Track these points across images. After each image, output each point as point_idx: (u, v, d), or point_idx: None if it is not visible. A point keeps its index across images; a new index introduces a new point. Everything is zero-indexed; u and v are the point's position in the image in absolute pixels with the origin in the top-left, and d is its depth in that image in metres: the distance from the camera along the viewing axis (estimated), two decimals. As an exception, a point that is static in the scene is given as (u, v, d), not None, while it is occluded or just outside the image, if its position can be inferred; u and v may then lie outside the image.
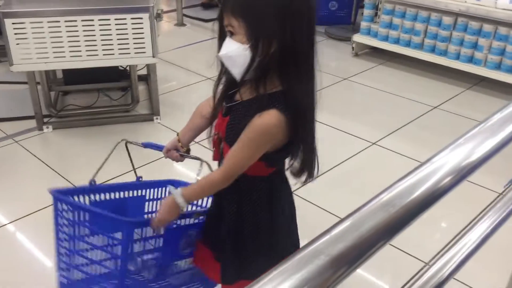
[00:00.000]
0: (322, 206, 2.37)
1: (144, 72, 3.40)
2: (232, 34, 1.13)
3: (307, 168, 1.25)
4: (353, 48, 4.22)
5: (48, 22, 2.56)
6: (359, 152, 2.84)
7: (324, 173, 2.62)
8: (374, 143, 2.93)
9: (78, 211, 1.35)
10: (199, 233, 1.40)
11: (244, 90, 1.21)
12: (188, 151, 1.44)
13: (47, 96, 3.05)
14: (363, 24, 4.14)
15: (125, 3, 2.68)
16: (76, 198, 1.46)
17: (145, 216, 1.62)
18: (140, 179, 1.61)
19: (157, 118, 3.12)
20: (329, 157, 2.78)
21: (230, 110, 1.23)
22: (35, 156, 2.72)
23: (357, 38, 4.17)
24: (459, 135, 0.72)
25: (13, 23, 2.55)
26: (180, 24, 5.05)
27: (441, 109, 3.38)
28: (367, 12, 4.13)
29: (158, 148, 1.48)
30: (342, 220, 0.53)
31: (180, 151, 1.43)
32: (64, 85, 3.24)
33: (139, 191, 1.61)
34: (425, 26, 3.80)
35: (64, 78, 3.21)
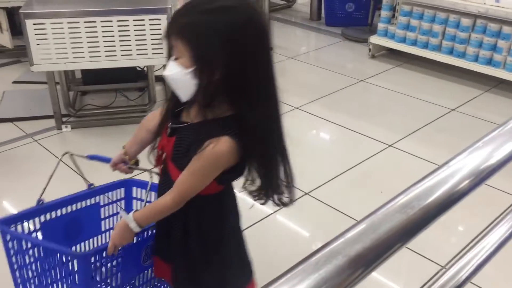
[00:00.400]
0: (337, 208, 2.36)
1: (161, 72, 3.42)
2: (176, 56, 1.10)
3: (269, 187, 1.22)
4: (369, 49, 4.20)
5: (68, 23, 2.60)
6: (375, 154, 2.83)
7: (339, 175, 2.61)
8: (390, 145, 2.91)
9: (26, 245, 1.34)
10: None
11: (193, 110, 1.17)
12: (136, 162, 1.40)
13: (66, 96, 3.10)
14: (380, 26, 4.11)
15: (143, 5, 2.71)
16: (26, 224, 1.44)
17: (102, 224, 1.61)
18: (92, 186, 1.57)
19: (173, 119, 3.14)
20: (344, 159, 2.78)
21: (176, 130, 1.20)
22: (53, 155, 2.76)
23: (374, 39, 4.15)
24: (477, 138, 0.71)
25: (33, 24, 2.59)
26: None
27: (459, 112, 3.34)
28: (384, 13, 4.11)
29: (105, 160, 1.44)
30: (359, 222, 0.53)
31: (128, 164, 1.39)
32: (82, 85, 3.28)
33: (92, 199, 1.58)
34: (443, 27, 3.76)
35: (83, 78, 3.26)
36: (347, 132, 3.04)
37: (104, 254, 1.29)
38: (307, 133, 3.16)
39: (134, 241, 1.31)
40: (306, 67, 4.13)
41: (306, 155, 2.83)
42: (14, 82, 3.62)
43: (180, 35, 1.08)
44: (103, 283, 1.37)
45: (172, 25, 1.11)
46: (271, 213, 2.33)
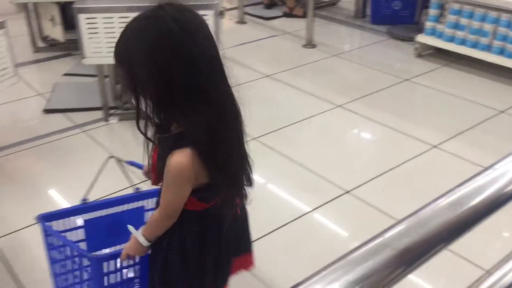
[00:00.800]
0: (379, 207, 2.34)
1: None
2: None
3: (225, 207, 1.22)
4: (416, 48, 4.12)
5: (119, 17, 2.68)
6: (419, 155, 2.78)
7: (381, 174, 2.58)
8: (435, 146, 2.86)
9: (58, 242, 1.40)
10: None
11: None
12: None
13: (114, 89, 3.19)
14: (428, 24, 4.02)
15: (192, 0, 2.75)
16: (67, 220, 1.48)
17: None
18: (138, 190, 1.60)
19: (216, 113, 3.19)
20: (387, 158, 2.74)
21: (159, 140, 1.21)
22: (101, 145, 2.86)
23: (421, 38, 4.07)
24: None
25: (86, 18, 2.68)
26: (241, 21, 5.11)
27: (508, 114, 3.24)
28: (432, 12, 4.02)
29: (139, 167, 1.47)
30: (408, 216, 0.53)
31: None
32: (129, 79, 3.37)
33: (137, 202, 1.60)
34: (494, 27, 3.65)
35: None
36: (390, 132, 3.00)
37: (117, 260, 1.32)
38: (349, 132, 3.14)
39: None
40: (349, 65, 4.10)
41: (348, 154, 2.82)
42: (65, 74, 3.76)
43: (116, 61, 1.13)
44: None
45: (114, 55, 1.14)
46: (309, 211, 2.33)
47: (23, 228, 2.19)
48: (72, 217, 1.50)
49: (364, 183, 2.51)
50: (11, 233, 2.18)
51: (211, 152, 1.13)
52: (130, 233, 1.27)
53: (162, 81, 1.07)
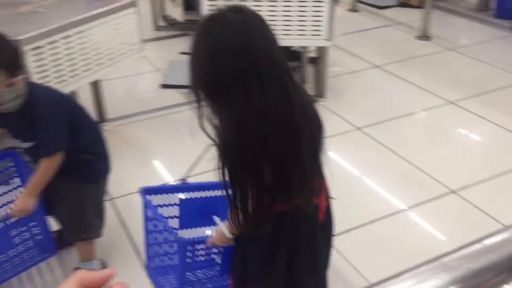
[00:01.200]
0: (486, 211, 2.23)
1: (314, 54, 3.50)
2: None
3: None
4: (543, 46, 3.80)
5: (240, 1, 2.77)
6: (537, 161, 2.59)
7: (492, 177, 2.45)
8: (556, 154, 2.64)
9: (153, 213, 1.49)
10: None
11: None
12: None
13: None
14: (561, 21, 3.68)
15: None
16: (166, 196, 1.57)
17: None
18: None
19: (322, 101, 3.20)
20: (499, 161, 2.59)
21: None
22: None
23: (551, 36, 3.73)
24: None
25: (209, 0, 2.81)
26: (353, 9, 5.04)
27: None
28: None
29: None
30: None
31: None
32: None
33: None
34: None
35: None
36: (505, 134, 2.81)
37: (202, 246, 1.39)
38: (460, 130, 2.99)
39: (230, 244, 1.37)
40: (466, 60, 3.88)
41: (456, 152, 2.70)
42: (182, 52, 3.98)
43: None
44: (198, 271, 1.48)
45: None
46: (408, 207, 2.28)
47: (136, 192, 2.39)
48: (170, 194, 1.60)
49: (472, 185, 2.40)
50: (127, 194, 2.40)
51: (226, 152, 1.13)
52: (221, 219, 1.35)
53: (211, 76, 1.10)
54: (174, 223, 1.65)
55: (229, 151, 1.12)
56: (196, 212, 1.65)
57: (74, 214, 1.80)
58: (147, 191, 1.53)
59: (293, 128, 1.12)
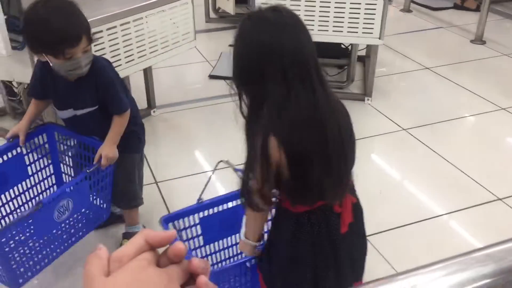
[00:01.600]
0: (532, 222, 2.17)
1: (362, 53, 3.47)
2: None
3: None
4: None
5: (291, -4, 2.80)
6: None
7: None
8: None
9: None
10: None
11: None
12: None
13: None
14: None
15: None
16: (186, 219, 1.62)
17: None
18: None
19: (368, 99, 3.18)
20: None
21: None
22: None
23: None
24: None
25: (261, -5, 2.84)
26: (406, 10, 4.95)
27: None
28: None
29: None
30: None
31: None
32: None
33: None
34: None
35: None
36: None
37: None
38: (510, 137, 2.91)
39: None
40: (521, 66, 3.76)
41: (506, 160, 2.62)
42: (231, 45, 4.03)
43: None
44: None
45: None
46: (451, 211, 2.25)
47: (178, 178, 2.47)
48: (190, 216, 1.66)
49: (520, 193, 2.34)
50: (170, 179, 2.47)
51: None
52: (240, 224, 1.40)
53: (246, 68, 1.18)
54: (200, 241, 1.72)
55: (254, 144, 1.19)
56: (217, 226, 1.71)
57: (126, 182, 1.95)
58: (169, 219, 1.59)
59: (317, 126, 1.16)
